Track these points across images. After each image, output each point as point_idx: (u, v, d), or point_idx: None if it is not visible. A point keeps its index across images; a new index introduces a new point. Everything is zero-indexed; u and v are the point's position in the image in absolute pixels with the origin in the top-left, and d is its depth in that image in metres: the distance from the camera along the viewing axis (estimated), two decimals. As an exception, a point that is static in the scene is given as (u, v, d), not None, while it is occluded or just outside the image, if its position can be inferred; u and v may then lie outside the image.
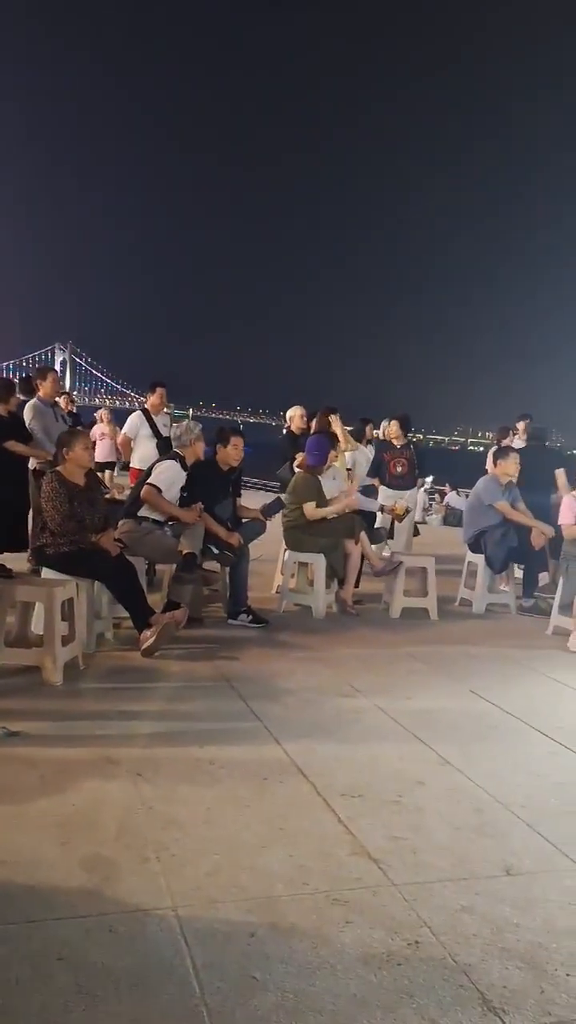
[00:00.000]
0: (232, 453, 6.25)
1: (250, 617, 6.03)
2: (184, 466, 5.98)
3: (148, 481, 5.80)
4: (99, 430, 14.55)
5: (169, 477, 5.84)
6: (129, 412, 8.88)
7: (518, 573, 7.63)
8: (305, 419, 8.87)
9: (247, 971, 2.15)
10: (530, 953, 2.33)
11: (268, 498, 7.62)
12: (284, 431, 8.93)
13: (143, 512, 5.76)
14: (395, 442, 8.82)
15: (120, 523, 5.67)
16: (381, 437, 9.51)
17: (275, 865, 2.70)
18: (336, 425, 7.68)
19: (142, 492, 5.76)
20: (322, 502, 6.64)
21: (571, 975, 2.24)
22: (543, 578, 7.60)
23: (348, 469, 8.02)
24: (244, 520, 6.35)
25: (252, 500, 7.37)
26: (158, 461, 6.06)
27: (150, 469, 6.00)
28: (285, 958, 2.21)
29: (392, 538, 8.58)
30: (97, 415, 15.94)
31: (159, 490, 5.74)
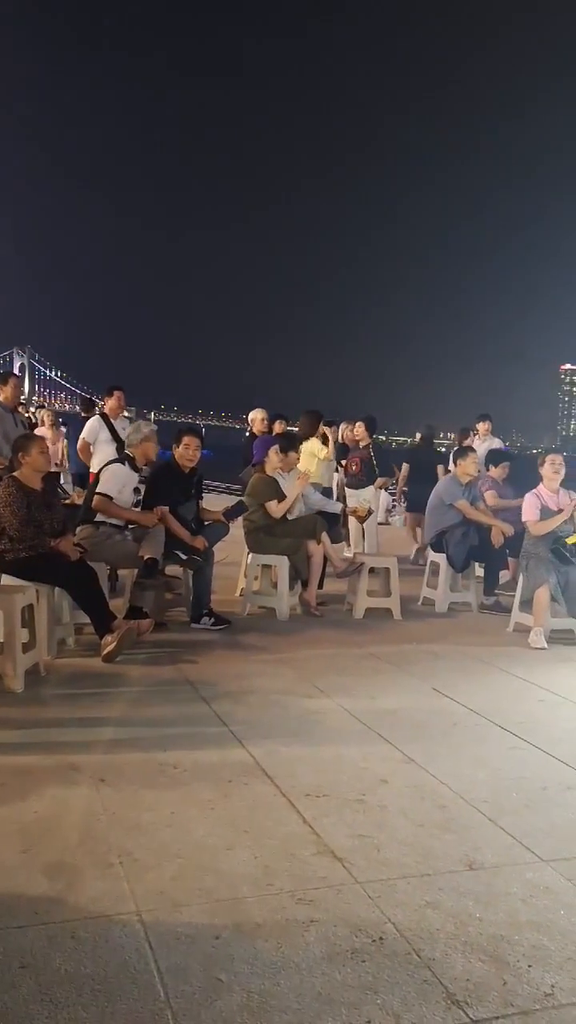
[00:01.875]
0: (184, 453, 6.16)
1: (213, 620, 6.02)
2: (134, 467, 5.91)
3: (97, 490, 5.73)
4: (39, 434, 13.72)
5: (117, 481, 5.76)
6: (75, 415, 8.88)
7: (479, 572, 7.71)
8: (267, 422, 8.92)
9: (212, 973, 2.14)
10: (493, 946, 2.35)
11: (231, 501, 7.62)
12: (246, 434, 8.97)
13: (100, 517, 5.70)
14: (360, 443, 8.91)
15: (79, 529, 5.62)
16: (341, 439, 9.58)
17: (239, 867, 2.70)
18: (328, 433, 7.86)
19: (93, 503, 5.69)
20: (282, 499, 6.65)
21: (533, 966, 2.27)
22: (504, 576, 7.71)
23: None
24: (207, 523, 6.33)
25: (216, 503, 7.37)
26: (103, 467, 5.96)
27: (98, 476, 5.91)
28: (250, 959, 2.21)
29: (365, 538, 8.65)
30: (37, 415, 13.94)
31: (110, 497, 5.68)
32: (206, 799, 3.20)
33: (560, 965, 2.28)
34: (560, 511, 6.42)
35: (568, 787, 3.57)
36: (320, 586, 7.03)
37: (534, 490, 6.65)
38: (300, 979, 2.14)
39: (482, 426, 10.00)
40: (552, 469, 6.60)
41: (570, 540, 6.32)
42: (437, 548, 7.50)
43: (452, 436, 13.11)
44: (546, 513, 6.46)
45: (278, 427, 9.11)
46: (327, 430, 8.41)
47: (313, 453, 8.09)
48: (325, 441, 8.25)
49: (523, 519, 6.64)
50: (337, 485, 9.35)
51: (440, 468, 9.55)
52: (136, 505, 5.86)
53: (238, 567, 7.33)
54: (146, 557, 5.53)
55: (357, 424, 9.03)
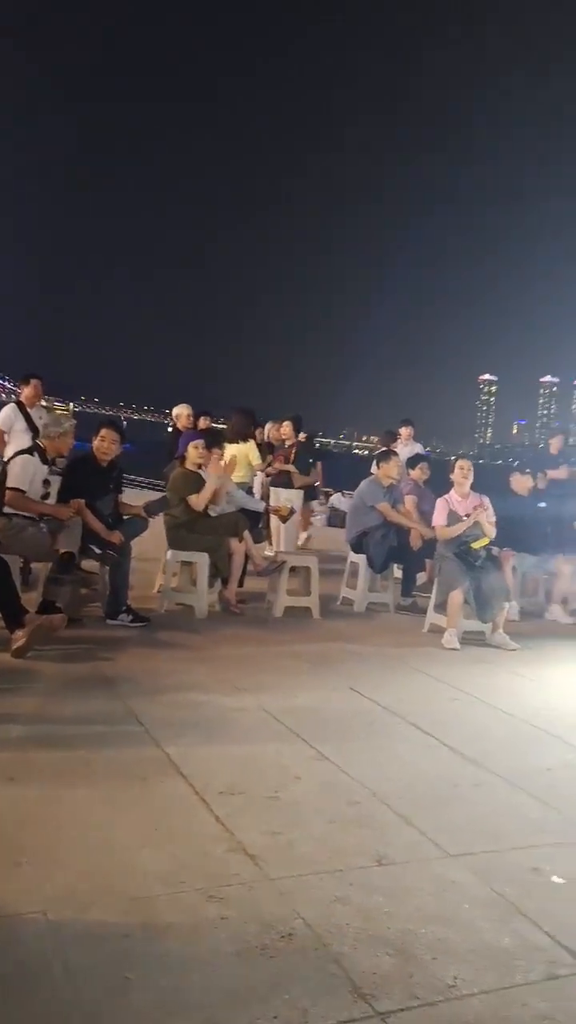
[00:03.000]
0: (100, 446, 6.04)
1: (130, 616, 5.94)
2: (44, 459, 5.73)
3: (7, 486, 5.55)
4: None
5: (25, 474, 5.56)
6: None
7: (398, 573, 7.84)
8: (191, 418, 8.88)
9: (120, 972, 2.12)
10: (400, 939, 2.40)
11: (153, 496, 7.55)
12: (169, 429, 8.92)
13: (11, 509, 5.55)
14: (286, 442, 8.97)
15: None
16: (267, 438, 9.61)
17: (151, 865, 2.68)
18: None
19: (6, 498, 5.52)
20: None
21: (437, 959, 2.32)
22: (420, 578, 7.86)
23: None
24: (126, 517, 6.25)
25: (138, 499, 7.28)
26: (11, 459, 5.77)
27: (4, 470, 5.73)
28: (159, 957, 2.20)
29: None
30: None
31: (22, 491, 5.51)
32: (118, 797, 3.17)
33: (463, 957, 2.34)
34: (467, 516, 6.61)
35: (477, 784, 3.67)
36: (240, 584, 7.04)
37: (445, 495, 6.84)
38: (209, 976, 2.14)
39: (404, 431, 10.16)
40: (461, 474, 6.83)
41: (475, 545, 6.49)
42: (357, 549, 7.59)
43: (375, 440, 13.31)
44: (454, 517, 6.65)
45: (203, 423, 9.07)
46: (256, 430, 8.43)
47: (248, 459, 8.08)
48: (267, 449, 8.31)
49: (432, 523, 6.82)
50: (261, 484, 9.37)
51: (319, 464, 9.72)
52: (44, 497, 5.72)
53: (155, 563, 7.27)
54: (61, 551, 5.42)
55: (284, 423, 9.07)
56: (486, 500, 6.79)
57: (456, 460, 7.07)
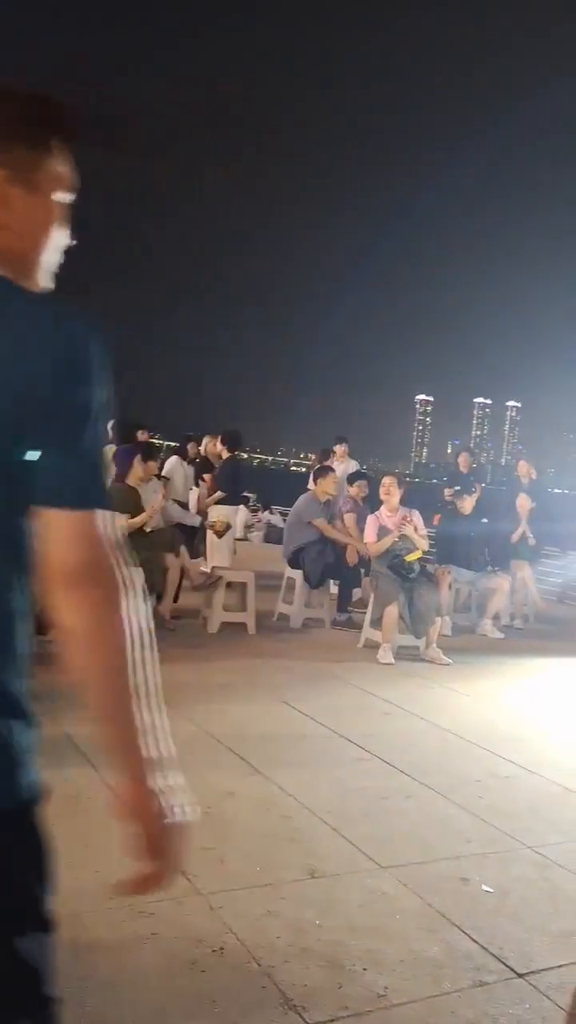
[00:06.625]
0: None
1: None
2: None
3: None
4: None
5: None
6: None
7: (334, 589, 7.89)
8: (115, 433, 8.81)
9: (45, 991, 2.07)
10: (330, 951, 2.40)
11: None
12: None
13: None
14: (214, 459, 8.96)
15: None
16: (204, 453, 9.59)
17: (78, 882, 2.62)
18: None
19: None
20: (138, 513, 6.56)
21: (367, 970, 2.33)
22: (356, 593, 7.93)
23: (164, 477, 8.03)
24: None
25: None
26: None
27: None
28: (86, 975, 2.16)
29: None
30: None
31: None
32: (48, 814, 3.10)
33: (393, 967, 2.36)
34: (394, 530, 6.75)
35: (408, 796, 3.71)
36: (175, 600, 6.98)
37: (376, 512, 6.98)
38: (137, 993, 2.11)
39: (339, 448, 10.25)
40: (383, 491, 7.02)
41: (409, 558, 6.60)
42: (294, 564, 7.62)
43: (312, 457, 13.42)
44: (384, 532, 6.77)
45: (140, 436, 8.99)
46: (189, 445, 8.40)
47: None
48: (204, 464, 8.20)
49: (364, 540, 6.96)
50: (197, 499, 9.33)
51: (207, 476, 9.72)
52: None
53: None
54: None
55: (216, 438, 9.06)
56: (415, 514, 6.93)
57: (383, 478, 7.24)
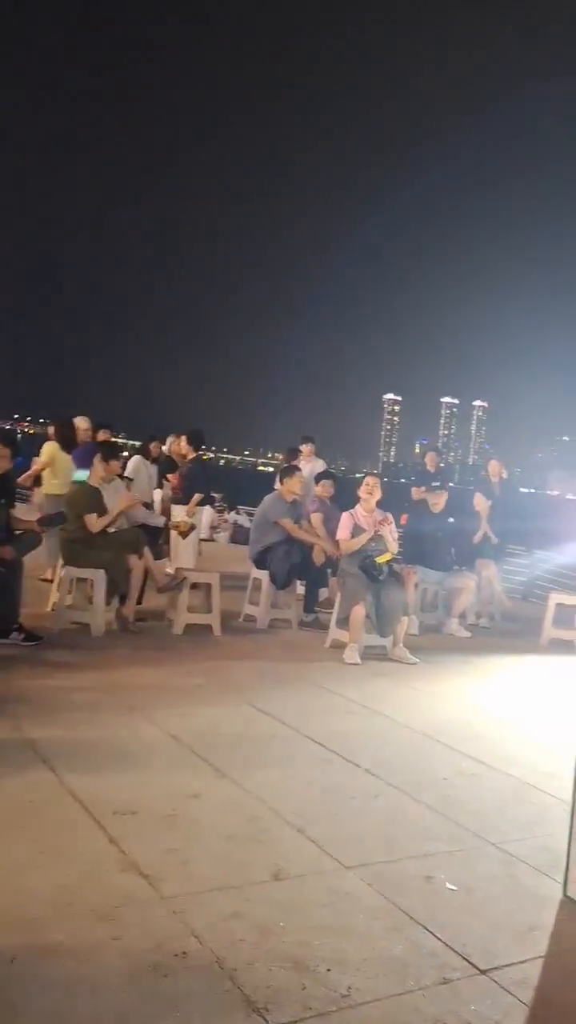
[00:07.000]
0: None
1: (23, 635, 5.76)
2: None
3: None
4: None
5: None
6: None
7: (301, 589, 7.88)
8: (90, 431, 8.73)
9: (5, 996, 2.05)
10: (295, 952, 2.39)
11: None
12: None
13: None
14: (178, 459, 8.91)
15: None
16: (167, 453, 9.54)
17: (40, 886, 2.60)
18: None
19: None
20: (103, 513, 6.50)
21: (331, 970, 2.33)
22: (323, 593, 7.93)
23: (128, 478, 7.95)
24: (18, 532, 6.05)
25: (32, 513, 7.11)
26: None
27: None
28: (47, 981, 2.13)
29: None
30: None
31: None
32: (5, 820, 3.06)
33: (357, 967, 2.36)
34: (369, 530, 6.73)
35: (374, 796, 3.71)
36: (139, 601, 6.91)
37: (351, 510, 6.94)
38: (99, 998, 2.08)
39: (305, 448, 10.25)
40: (366, 490, 6.95)
41: (380, 559, 6.61)
42: (260, 564, 7.60)
43: (280, 457, 13.40)
44: (357, 532, 6.75)
45: (102, 436, 8.92)
46: (152, 445, 8.32)
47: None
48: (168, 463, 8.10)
49: (336, 536, 6.92)
50: (161, 500, 9.28)
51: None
52: None
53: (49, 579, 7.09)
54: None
55: (181, 438, 9.00)
56: (390, 517, 6.93)
57: (364, 477, 7.22)
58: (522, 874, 3.09)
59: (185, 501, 8.53)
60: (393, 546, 6.80)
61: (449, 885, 2.92)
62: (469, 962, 2.44)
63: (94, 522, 6.37)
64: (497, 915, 2.75)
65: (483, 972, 2.40)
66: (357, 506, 6.95)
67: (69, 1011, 2.02)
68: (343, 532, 6.82)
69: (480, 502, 8.81)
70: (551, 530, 14.08)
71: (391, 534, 6.84)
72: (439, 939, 2.55)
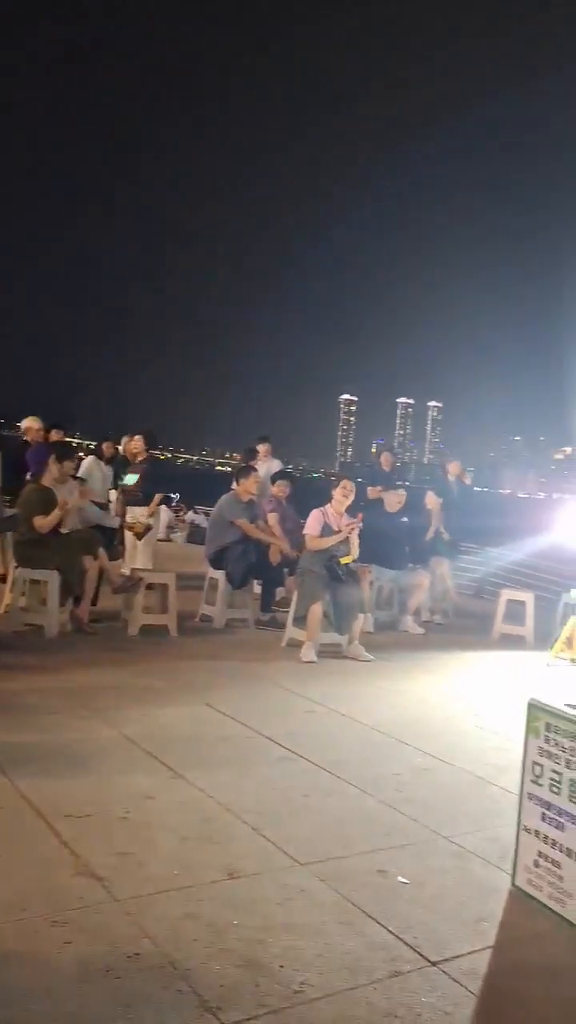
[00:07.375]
0: None
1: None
2: None
3: None
4: None
5: None
6: None
7: (257, 588, 7.89)
8: (42, 431, 8.65)
9: (-45, 1006, 2.02)
10: (248, 950, 2.40)
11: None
12: (22, 442, 8.64)
13: None
14: (137, 457, 8.82)
15: None
16: (122, 452, 9.47)
17: (-9, 893, 2.57)
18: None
19: None
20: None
21: (285, 966, 2.34)
22: (279, 593, 7.95)
23: (81, 478, 7.87)
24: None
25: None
26: None
27: None
28: (-2, 987, 2.11)
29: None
30: None
31: None
32: (-41, 826, 3.02)
33: (311, 962, 2.38)
34: (339, 531, 6.74)
35: (329, 793, 3.74)
36: (94, 603, 6.86)
37: (322, 507, 6.91)
38: (51, 1003, 2.07)
39: (262, 448, 10.25)
40: (342, 493, 6.93)
41: (344, 560, 6.65)
42: (216, 564, 7.59)
43: (238, 457, 13.42)
44: (327, 531, 6.76)
45: (55, 436, 8.84)
46: (106, 445, 8.26)
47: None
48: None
49: (304, 531, 6.91)
50: (117, 501, 9.20)
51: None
52: None
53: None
54: None
55: (135, 438, 8.93)
56: (358, 521, 6.92)
57: (341, 479, 7.21)
58: (473, 866, 3.14)
59: (145, 502, 8.47)
60: (356, 550, 6.84)
61: (401, 879, 2.96)
62: (420, 954, 2.48)
63: (41, 524, 6.28)
64: (448, 907, 2.80)
65: (434, 964, 2.44)
66: (328, 505, 6.93)
67: (20, 1016, 2.00)
68: (312, 526, 6.80)
69: (432, 500, 8.91)
70: (503, 528, 14.32)
71: (360, 537, 6.86)
72: (391, 932, 2.58)
